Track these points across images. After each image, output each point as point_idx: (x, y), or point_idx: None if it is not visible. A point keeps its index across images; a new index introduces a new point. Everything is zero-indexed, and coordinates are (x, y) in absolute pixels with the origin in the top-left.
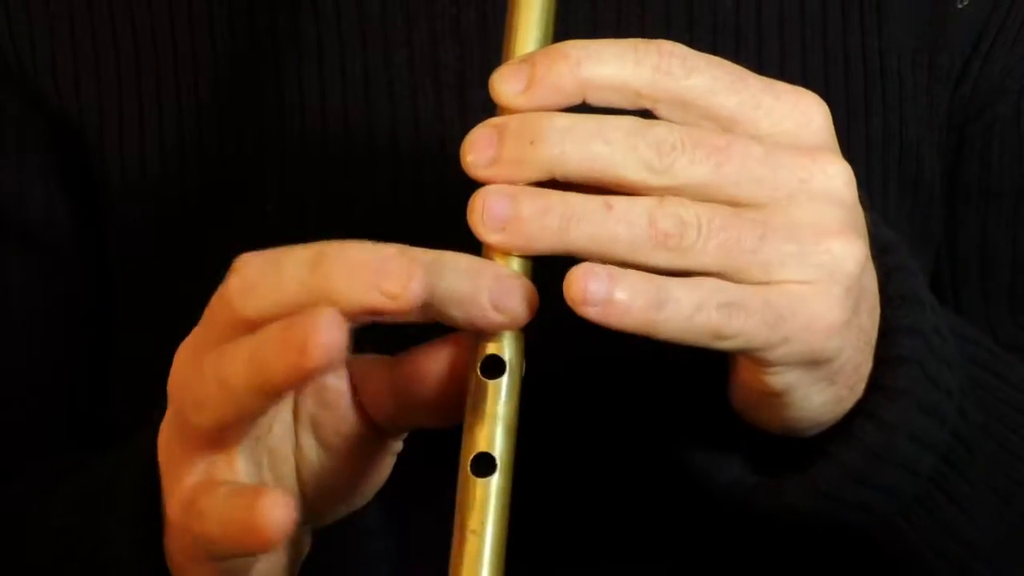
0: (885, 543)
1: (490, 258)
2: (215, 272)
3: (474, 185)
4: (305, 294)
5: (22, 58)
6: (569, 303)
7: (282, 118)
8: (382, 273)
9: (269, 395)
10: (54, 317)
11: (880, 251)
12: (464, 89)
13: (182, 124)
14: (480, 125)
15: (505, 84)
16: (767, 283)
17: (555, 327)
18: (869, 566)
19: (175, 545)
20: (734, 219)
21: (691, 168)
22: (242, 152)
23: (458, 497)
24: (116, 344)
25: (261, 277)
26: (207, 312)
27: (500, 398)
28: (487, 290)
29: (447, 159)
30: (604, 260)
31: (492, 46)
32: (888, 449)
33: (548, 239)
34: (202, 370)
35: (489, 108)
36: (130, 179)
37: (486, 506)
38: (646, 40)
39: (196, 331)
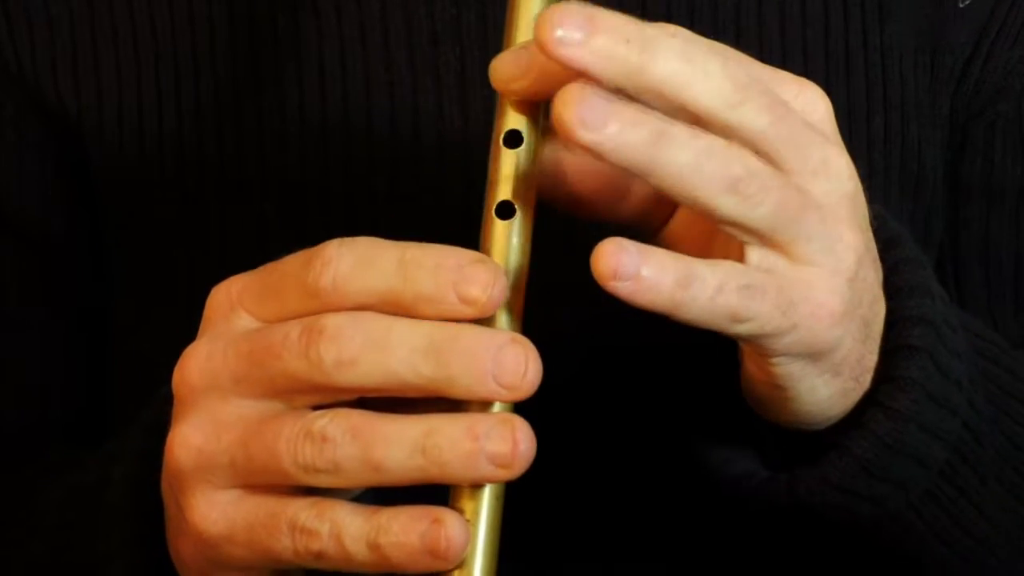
0: (895, 536)
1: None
2: (214, 272)
3: (475, 187)
4: (421, 384)
5: (21, 58)
6: (597, 278)
7: (282, 118)
8: (500, 365)
9: (427, 481)
10: (51, 316)
11: (886, 245)
12: (465, 89)
13: (182, 124)
14: (567, 3)
15: (505, 69)
16: (791, 255)
17: (562, 323)
18: (878, 559)
19: (192, 551)
20: (786, 182)
21: (755, 114)
22: (242, 152)
23: (452, 485)
24: (115, 342)
25: (366, 354)
26: (258, 349)
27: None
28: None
29: (447, 159)
30: (668, 194)
31: (493, 46)
32: (900, 440)
33: (635, 153)
34: (292, 425)
35: (491, 109)
36: (130, 179)
37: (480, 495)
38: (652, 24)
39: (228, 356)
